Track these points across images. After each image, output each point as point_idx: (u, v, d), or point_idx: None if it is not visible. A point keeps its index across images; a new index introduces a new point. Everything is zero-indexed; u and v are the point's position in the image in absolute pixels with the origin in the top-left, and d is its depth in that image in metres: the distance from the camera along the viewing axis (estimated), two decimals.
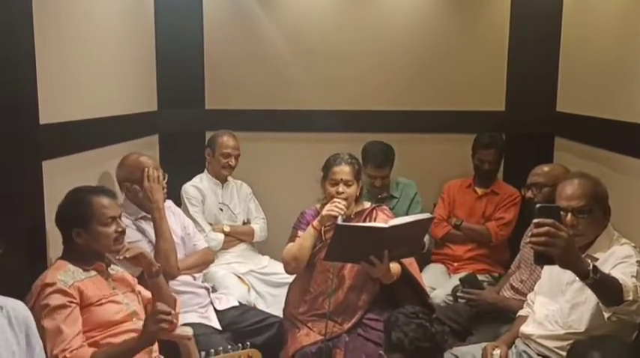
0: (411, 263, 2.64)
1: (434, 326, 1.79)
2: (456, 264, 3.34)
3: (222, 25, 3.70)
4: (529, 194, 2.76)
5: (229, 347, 1.91)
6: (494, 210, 3.38)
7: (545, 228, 1.71)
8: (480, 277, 3.10)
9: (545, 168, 2.79)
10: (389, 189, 3.42)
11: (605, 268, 1.97)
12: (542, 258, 1.78)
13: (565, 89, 3.47)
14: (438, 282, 3.21)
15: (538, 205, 1.82)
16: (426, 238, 3.24)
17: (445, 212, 3.47)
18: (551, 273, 2.34)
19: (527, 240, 1.79)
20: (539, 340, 2.22)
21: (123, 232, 2.14)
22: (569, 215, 2.12)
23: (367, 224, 2.55)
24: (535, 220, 1.74)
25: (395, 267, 2.51)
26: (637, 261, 2.05)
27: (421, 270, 2.99)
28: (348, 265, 2.59)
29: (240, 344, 1.93)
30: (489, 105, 3.69)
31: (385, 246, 2.34)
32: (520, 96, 3.64)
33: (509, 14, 3.62)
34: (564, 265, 1.79)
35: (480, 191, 3.46)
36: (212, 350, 1.86)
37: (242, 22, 3.68)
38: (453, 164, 3.58)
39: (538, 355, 2.21)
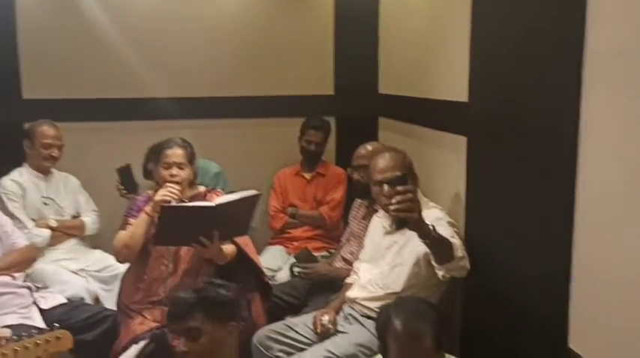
0: (246, 243, 2.64)
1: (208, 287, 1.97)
2: (295, 244, 3.43)
3: (38, 5, 3.43)
4: (356, 176, 2.78)
5: (34, 331, 1.82)
6: (325, 192, 3.53)
7: (409, 195, 1.80)
8: (319, 254, 3.22)
9: (369, 147, 2.80)
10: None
11: None
12: (402, 223, 1.89)
13: (385, 72, 3.70)
14: (278, 263, 3.28)
15: (388, 174, 1.98)
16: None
17: (279, 203, 3.55)
18: (373, 241, 2.51)
19: (392, 207, 1.80)
20: (362, 302, 2.38)
21: None
22: (386, 186, 2.23)
23: (192, 203, 2.49)
24: (398, 188, 1.81)
25: (229, 247, 2.51)
26: (447, 222, 2.25)
27: (259, 252, 3.05)
28: (184, 249, 2.54)
29: (48, 327, 1.85)
30: (320, 89, 3.84)
31: (214, 225, 2.33)
32: (347, 80, 3.82)
33: (333, 3, 3.78)
34: (416, 227, 1.87)
35: (307, 176, 3.59)
36: (15, 337, 1.77)
37: (62, 2, 3.45)
38: (286, 147, 3.65)
39: (362, 316, 2.36)
